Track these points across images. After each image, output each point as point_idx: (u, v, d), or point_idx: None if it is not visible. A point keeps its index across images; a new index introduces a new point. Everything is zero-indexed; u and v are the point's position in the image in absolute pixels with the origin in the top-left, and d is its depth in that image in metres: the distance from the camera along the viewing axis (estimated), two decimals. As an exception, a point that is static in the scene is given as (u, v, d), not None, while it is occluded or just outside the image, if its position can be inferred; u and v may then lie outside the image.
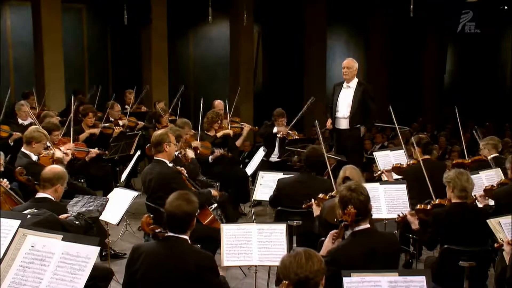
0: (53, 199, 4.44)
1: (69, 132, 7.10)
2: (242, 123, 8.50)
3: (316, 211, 4.89)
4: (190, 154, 6.35)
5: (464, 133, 7.23)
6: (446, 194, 4.56)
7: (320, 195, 4.96)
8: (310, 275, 2.68)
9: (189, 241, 3.48)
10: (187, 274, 3.34)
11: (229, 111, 8.62)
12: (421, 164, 5.38)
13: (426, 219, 4.57)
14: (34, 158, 5.83)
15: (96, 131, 7.99)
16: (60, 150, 6.21)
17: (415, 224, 4.60)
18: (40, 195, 4.44)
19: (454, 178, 4.40)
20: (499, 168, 5.80)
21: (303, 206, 5.06)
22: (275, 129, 8.13)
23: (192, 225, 3.49)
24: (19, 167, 5.29)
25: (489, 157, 6.21)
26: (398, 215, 4.84)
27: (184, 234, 3.46)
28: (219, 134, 7.66)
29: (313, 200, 4.99)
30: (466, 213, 4.39)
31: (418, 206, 4.72)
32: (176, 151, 6.08)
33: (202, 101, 8.01)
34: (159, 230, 3.49)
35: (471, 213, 4.45)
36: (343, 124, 7.49)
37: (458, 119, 7.04)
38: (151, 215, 3.67)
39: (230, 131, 7.89)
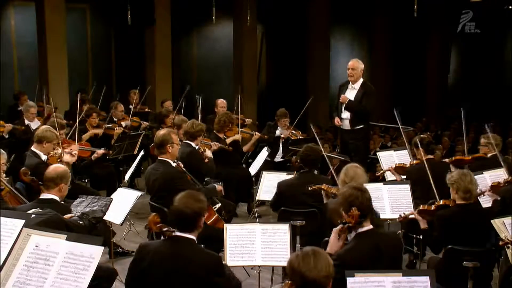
0: (58, 199, 4.42)
1: (74, 133, 7.12)
2: (253, 132, 8.45)
3: (325, 198, 4.93)
4: (209, 154, 6.40)
5: (468, 134, 7.23)
6: (449, 194, 4.56)
7: (324, 186, 4.96)
8: (318, 279, 2.66)
9: (196, 241, 3.48)
10: (194, 276, 3.33)
11: (238, 112, 8.55)
12: (425, 164, 5.37)
13: (430, 220, 4.57)
14: (44, 157, 5.84)
15: (99, 131, 8.00)
16: (67, 152, 6.21)
17: (423, 222, 4.59)
18: (44, 196, 4.42)
19: (458, 179, 4.43)
20: (503, 168, 5.79)
21: (309, 188, 5.03)
22: (277, 132, 8.12)
23: (200, 225, 3.48)
24: (23, 168, 5.29)
25: (488, 155, 6.23)
26: (400, 215, 4.83)
27: (192, 234, 3.45)
28: (228, 140, 7.63)
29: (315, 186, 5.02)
30: (471, 214, 4.40)
31: (421, 207, 4.71)
32: (196, 144, 6.21)
33: (200, 99, 8.00)
34: (166, 229, 3.49)
35: (476, 214, 4.45)
36: (347, 124, 7.49)
37: (463, 121, 7.01)
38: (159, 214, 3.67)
39: (239, 137, 7.87)
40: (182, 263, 3.36)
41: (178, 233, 3.45)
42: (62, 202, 4.51)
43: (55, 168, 4.58)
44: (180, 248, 3.42)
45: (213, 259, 3.42)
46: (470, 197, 4.43)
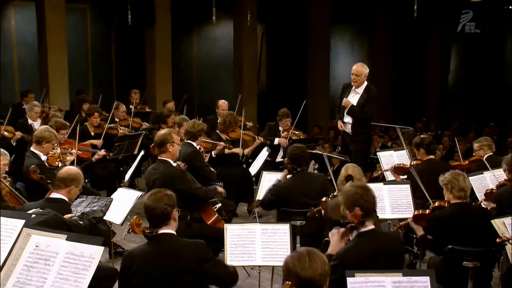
0: (67, 199, 4.41)
1: (75, 133, 7.10)
2: (255, 136, 8.43)
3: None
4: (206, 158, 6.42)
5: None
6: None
7: (323, 199, 4.95)
8: (313, 278, 2.66)
9: (175, 235, 3.49)
10: (186, 268, 3.34)
11: (239, 113, 8.54)
12: (413, 170, 5.37)
13: (427, 226, 4.57)
14: (43, 158, 5.83)
15: (98, 142, 7.81)
16: (67, 153, 6.21)
17: (419, 230, 4.60)
18: (54, 195, 4.40)
19: (451, 179, 4.47)
20: (502, 168, 5.79)
21: (308, 214, 5.03)
22: (276, 140, 8.11)
23: (174, 218, 3.49)
24: (32, 166, 5.30)
25: (484, 157, 6.25)
26: (394, 225, 4.83)
27: (169, 228, 3.46)
28: (237, 151, 7.62)
29: (314, 208, 5.00)
30: (467, 212, 4.43)
31: (416, 212, 4.71)
32: (197, 145, 6.22)
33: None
34: (148, 230, 3.48)
35: (472, 212, 4.49)
36: (349, 128, 7.46)
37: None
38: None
39: (247, 151, 7.86)
40: (170, 259, 3.36)
41: (159, 232, 3.44)
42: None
43: (68, 169, 4.57)
44: (164, 245, 3.42)
45: (199, 247, 3.43)
46: (465, 196, 4.46)
